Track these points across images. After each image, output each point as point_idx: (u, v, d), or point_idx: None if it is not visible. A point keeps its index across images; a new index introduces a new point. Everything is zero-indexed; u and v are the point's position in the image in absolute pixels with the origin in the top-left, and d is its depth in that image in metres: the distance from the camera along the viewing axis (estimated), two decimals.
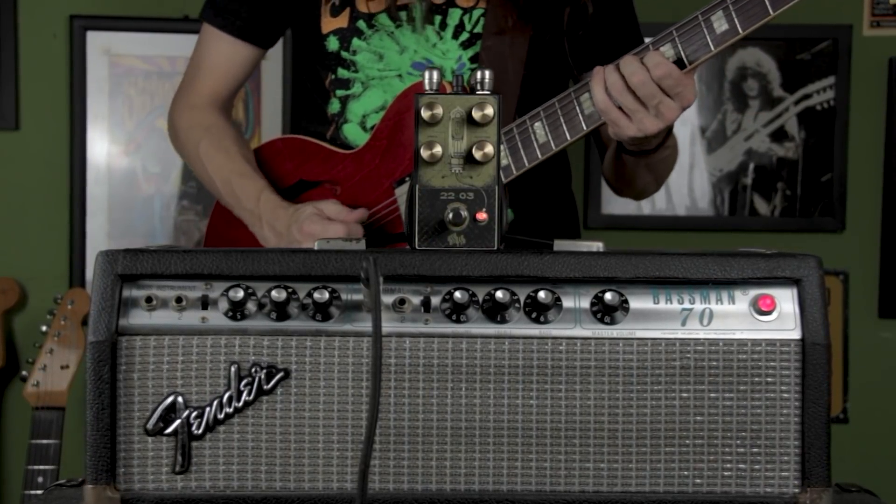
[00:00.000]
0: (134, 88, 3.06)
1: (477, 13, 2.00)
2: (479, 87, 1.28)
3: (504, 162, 1.85)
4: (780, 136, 3.13)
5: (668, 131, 1.84)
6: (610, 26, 2.06)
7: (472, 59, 1.99)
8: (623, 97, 1.73)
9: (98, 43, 3.04)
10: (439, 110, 1.27)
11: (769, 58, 3.10)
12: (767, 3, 1.72)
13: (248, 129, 3.08)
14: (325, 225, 1.86)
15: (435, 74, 1.28)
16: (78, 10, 3.04)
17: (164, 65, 3.06)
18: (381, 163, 1.98)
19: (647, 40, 1.80)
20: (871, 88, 3.12)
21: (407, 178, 1.94)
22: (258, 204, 1.97)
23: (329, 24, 2.03)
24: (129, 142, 3.07)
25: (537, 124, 1.84)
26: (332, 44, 2.03)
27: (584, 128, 1.82)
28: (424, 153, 1.27)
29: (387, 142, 1.97)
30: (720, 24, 1.73)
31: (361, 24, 2.01)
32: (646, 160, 1.90)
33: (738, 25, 1.73)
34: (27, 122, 3.06)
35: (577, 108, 1.82)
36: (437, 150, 1.27)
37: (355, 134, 2.03)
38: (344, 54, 2.02)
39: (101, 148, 3.05)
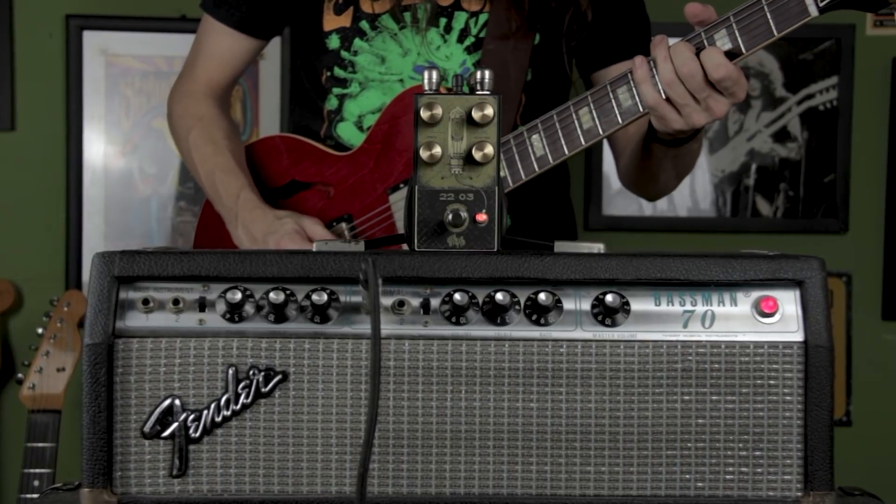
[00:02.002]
0: (131, 89, 3.05)
1: (483, 17, 1.98)
2: (478, 87, 1.27)
3: (501, 174, 1.81)
4: (782, 136, 3.12)
5: None
6: (614, 31, 2.04)
7: (476, 65, 1.97)
8: (673, 89, 1.67)
9: (94, 43, 3.03)
10: (439, 111, 1.26)
11: (772, 57, 3.09)
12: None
13: (245, 128, 3.07)
14: (305, 245, 1.82)
15: (434, 74, 1.27)
16: (74, 10, 3.03)
17: (160, 65, 3.05)
18: (375, 167, 1.96)
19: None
20: (874, 88, 3.12)
21: (401, 185, 1.93)
22: (237, 202, 1.94)
23: (331, 21, 2.01)
24: (126, 142, 3.06)
25: (535, 137, 1.80)
26: (333, 42, 2.01)
27: (583, 143, 1.78)
28: (424, 154, 1.26)
29: (381, 146, 1.96)
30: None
31: (364, 24, 1.99)
32: (675, 151, 1.84)
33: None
34: (23, 122, 3.05)
35: (576, 122, 1.77)
36: (437, 150, 1.26)
37: (350, 133, 2.02)
38: (344, 54, 2.01)
39: (97, 149, 3.05)
